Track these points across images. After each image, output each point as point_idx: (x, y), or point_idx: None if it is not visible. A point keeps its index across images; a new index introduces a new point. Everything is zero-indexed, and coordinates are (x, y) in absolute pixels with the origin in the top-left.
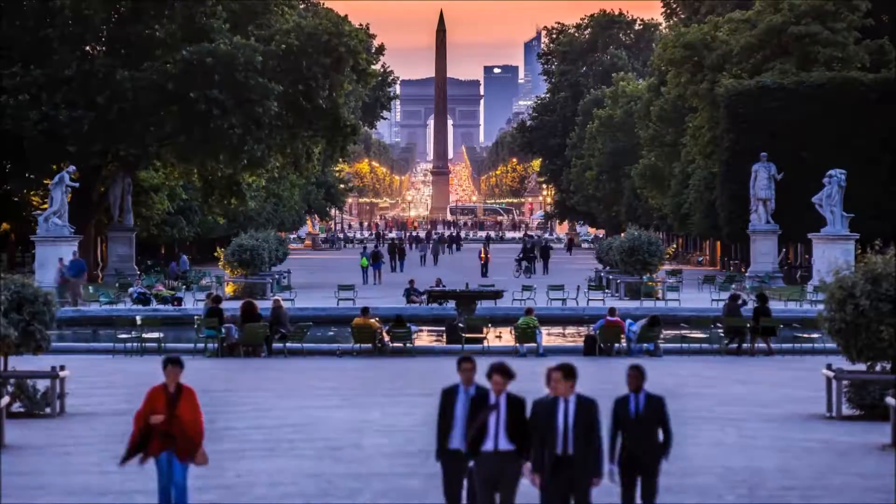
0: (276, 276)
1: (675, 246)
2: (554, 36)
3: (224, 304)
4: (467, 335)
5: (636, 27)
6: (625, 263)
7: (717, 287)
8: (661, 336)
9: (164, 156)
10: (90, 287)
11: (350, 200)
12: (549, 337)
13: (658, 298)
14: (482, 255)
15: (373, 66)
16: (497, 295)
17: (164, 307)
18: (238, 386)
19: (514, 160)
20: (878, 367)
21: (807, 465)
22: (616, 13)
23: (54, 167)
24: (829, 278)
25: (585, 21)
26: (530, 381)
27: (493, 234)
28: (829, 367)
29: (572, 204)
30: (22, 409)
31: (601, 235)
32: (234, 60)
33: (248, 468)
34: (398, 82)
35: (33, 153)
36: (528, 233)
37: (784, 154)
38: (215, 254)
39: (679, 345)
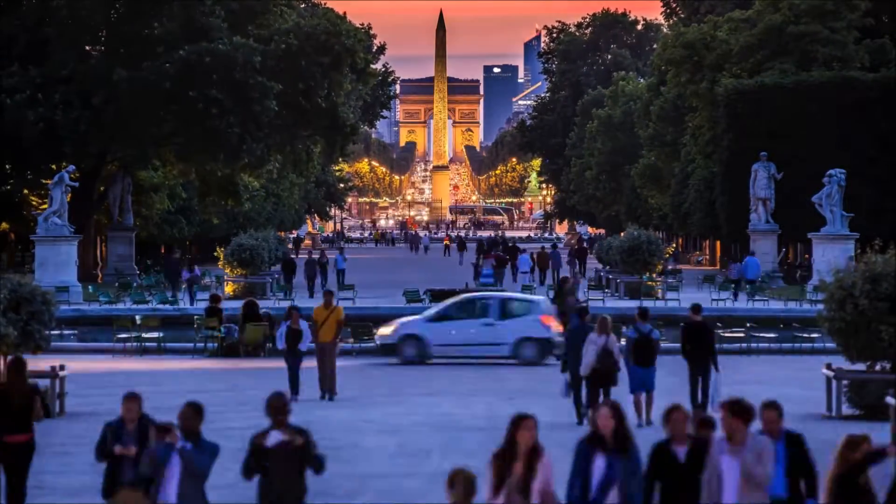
0: (276, 276)
1: (673, 246)
2: (555, 35)
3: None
4: None
5: (638, 27)
6: (625, 263)
7: (717, 287)
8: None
9: (163, 155)
10: (90, 286)
11: (350, 200)
12: None
13: (658, 298)
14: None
15: (372, 66)
16: None
17: (164, 307)
18: (238, 386)
19: (514, 160)
20: (877, 367)
21: None
22: (619, 13)
23: (53, 167)
24: (829, 278)
25: (587, 20)
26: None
27: (493, 234)
28: (829, 366)
29: (572, 204)
30: None
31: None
32: (232, 60)
33: None
34: (398, 82)
35: (32, 153)
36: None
37: (784, 154)
38: (215, 253)
39: (679, 344)
